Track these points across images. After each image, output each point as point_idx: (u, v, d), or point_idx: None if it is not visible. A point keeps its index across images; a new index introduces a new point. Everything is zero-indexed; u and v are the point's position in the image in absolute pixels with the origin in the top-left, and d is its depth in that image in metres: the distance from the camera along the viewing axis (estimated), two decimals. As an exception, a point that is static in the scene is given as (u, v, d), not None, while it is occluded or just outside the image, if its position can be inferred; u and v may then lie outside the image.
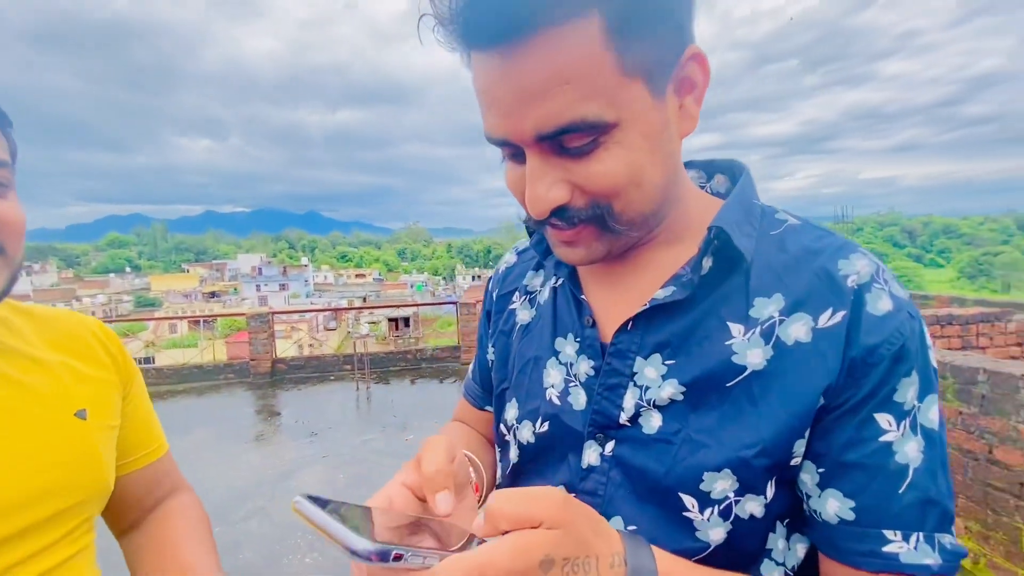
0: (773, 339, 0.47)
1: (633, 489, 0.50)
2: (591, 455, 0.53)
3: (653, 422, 0.50)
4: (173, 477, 0.78)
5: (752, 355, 0.47)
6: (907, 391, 0.45)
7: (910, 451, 0.44)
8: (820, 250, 0.49)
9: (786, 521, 0.49)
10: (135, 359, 0.75)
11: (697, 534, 0.48)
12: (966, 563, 2.38)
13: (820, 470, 0.46)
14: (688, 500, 0.48)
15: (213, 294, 69.60)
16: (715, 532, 0.47)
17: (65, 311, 0.72)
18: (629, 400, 0.51)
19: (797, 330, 0.46)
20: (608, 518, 0.50)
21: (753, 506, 0.47)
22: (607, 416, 0.52)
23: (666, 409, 0.49)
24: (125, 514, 0.73)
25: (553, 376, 0.57)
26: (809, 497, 0.48)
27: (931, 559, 0.43)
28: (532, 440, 0.58)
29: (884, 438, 0.45)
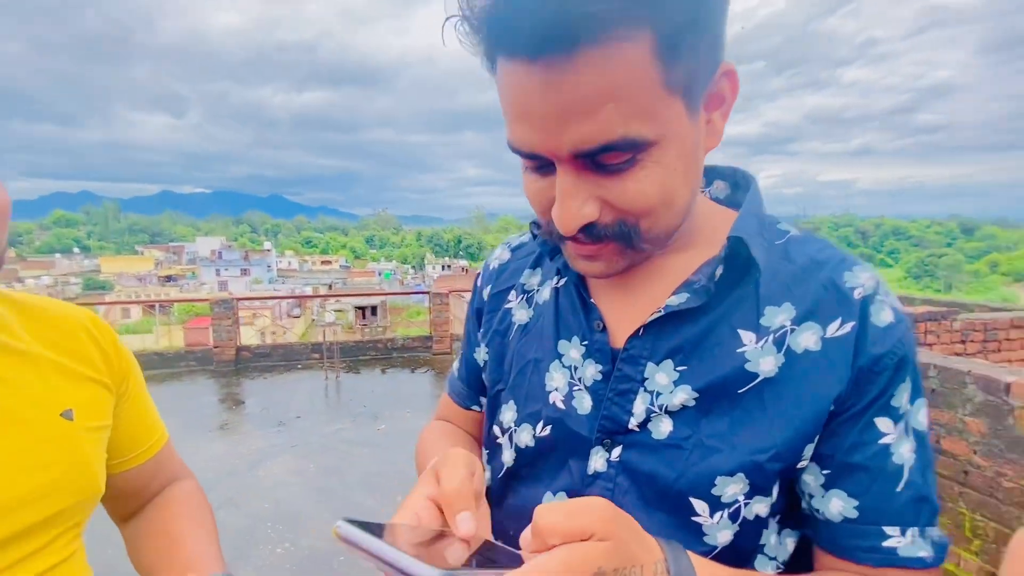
0: (784, 347, 0.48)
1: (641, 495, 0.50)
2: (597, 461, 0.52)
3: (663, 428, 0.50)
4: (174, 465, 0.76)
5: (764, 363, 0.48)
6: (902, 396, 0.48)
7: (905, 452, 0.48)
8: (824, 261, 0.51)
9: (778, 518, 0.51)
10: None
11: (705, 538, 0.49)
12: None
13: (825, 472, 0.49)
14: (699, 505, 0.49)
15: (169, 278, 66.79)
16: (723, 535, 0.49)
17: (56, 302, 0.67)
18: (639, 406, 0.51)
19: (807, 339, 0.48)
20: None
21: (760, 507, 0.49)
22: (616, 421, 0.52)
23: (677, 415, 0.50)
24: (126, 504, 0.72)
25: (556, 379, 0.57)
26: (812, 497, 0.50)
27: (925, 552, 0.47)
28: (531, 444, 0.57)
29: (883, 440, 0.47)
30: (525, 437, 0.58)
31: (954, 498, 2.44)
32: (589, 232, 0.46)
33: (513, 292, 0.65)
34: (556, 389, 0.56)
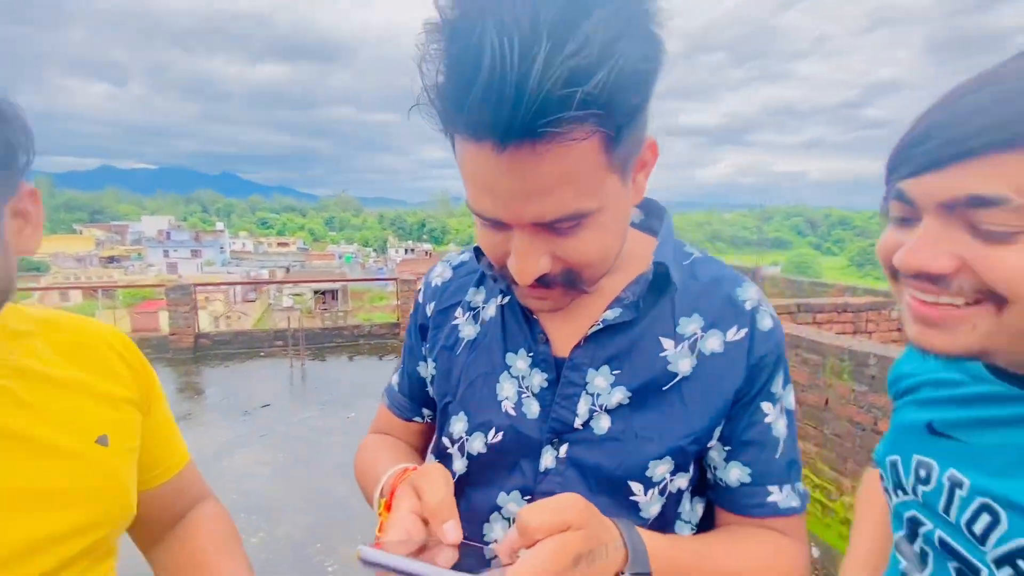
0: (697, 351, 0.60)
1: (586, 484, 0.59)
2: (548, 459, 0.60)
3: (603, 424, 0.59)
4: (197, 486, 0.75)
5: (682, 364, 0.59)
6: (778, 384, 0.62)
7: (781, 427, 0.62)
8: (722, 279, 0.63)
9: (691, 488, 0.63)
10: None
11: (641, 513, 0.59)
12: (838, 505, 2.80)
13: (727, 448, 0.61)
14: (636, 486, 0.59)
15: (112, 259, 63.06)
16: (654, 508, 0.60)
17: (78, 317, 0.65)
18: (583, 406, 0.59)
19: (713, 343, 0.60)
20: None
21: (681, 481, 0.60)
22: (563, 422, 0.60)
23: (615, 412, 0.59)
24: (150, 528, 0.70)
25: (507, 389, 0.63)
26: (716, 468, 0.62)
27: (796, 502, 0.62)
28: (484, 451, 0.63)
29: (767, 420, 0.61)
30: (477, 445, 0.63)
31: (888, 474, 2.71)
32: (541, 281, 0.52)
33: (459, 309, 0.70)
34: (507, 398, 0.63)
